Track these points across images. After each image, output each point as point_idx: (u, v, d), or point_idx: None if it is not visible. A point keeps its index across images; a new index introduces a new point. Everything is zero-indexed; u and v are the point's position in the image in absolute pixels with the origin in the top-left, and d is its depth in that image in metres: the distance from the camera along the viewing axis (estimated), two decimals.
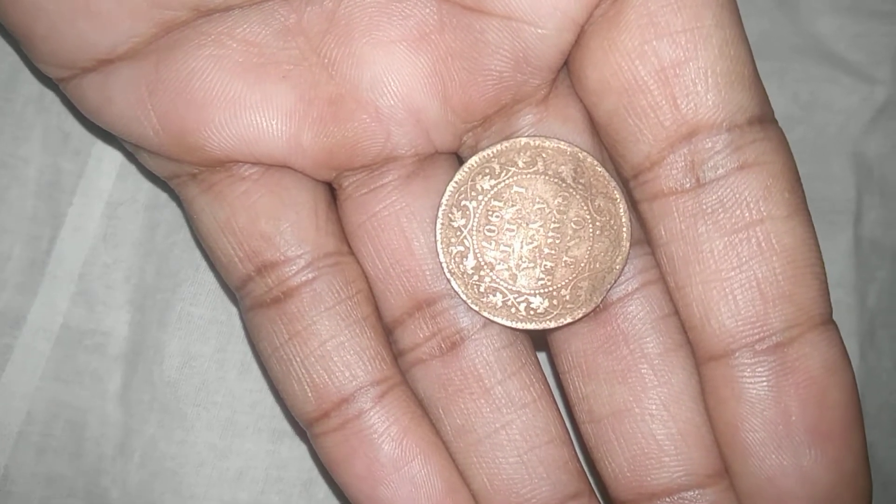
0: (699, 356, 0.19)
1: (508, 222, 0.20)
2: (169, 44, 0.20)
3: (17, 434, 0.24)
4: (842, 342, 0.19)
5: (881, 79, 0.25)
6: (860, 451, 0.19)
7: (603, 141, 0.20)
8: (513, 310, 0.20)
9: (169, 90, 0.20)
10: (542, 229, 0.20)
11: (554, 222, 0.20)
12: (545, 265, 0.20)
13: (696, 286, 0.19)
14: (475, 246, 0.21)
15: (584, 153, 0.20)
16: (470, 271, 0.21)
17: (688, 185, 0.19)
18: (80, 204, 0.24)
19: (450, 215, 0.21)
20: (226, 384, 0.25)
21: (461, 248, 0.21)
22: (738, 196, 0.19)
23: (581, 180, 0.20)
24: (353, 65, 0.20)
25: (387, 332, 0.21)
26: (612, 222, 0.20)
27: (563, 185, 0.20)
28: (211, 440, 0.24)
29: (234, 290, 0.22)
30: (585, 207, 0.20)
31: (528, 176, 0.20)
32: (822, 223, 0.25)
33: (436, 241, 0.21)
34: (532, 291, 0.20)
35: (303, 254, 0.21)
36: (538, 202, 0.20)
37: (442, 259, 0.21)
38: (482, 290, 0.21)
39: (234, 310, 0.25)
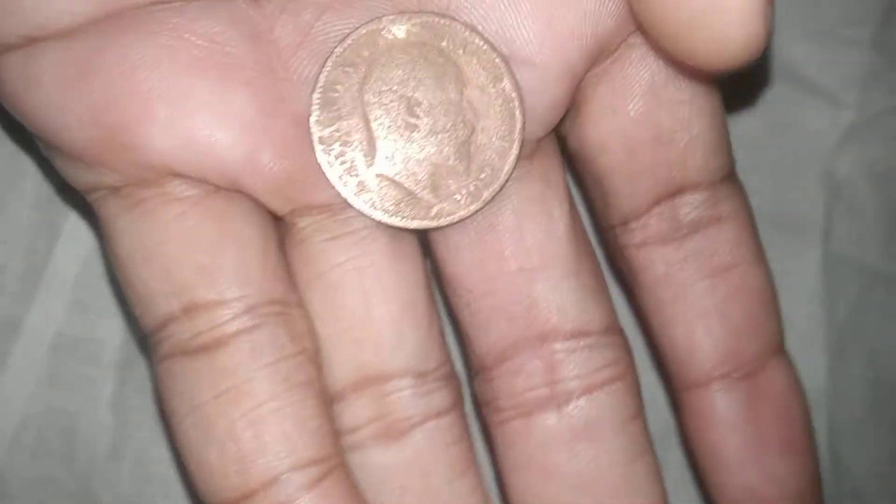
0: (680, 384, 0.21)
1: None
2: (114, 28, 0.18)
3: (12, 438, 0.24)
4: (793, 367, 0.21)
5: (849, 103, 0.26)
6: (816, 455, 0.21)
7: (592, 189, 0.21)
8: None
9: (108, 77, 0.18)
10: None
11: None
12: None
13: (681, 324, 0.20)
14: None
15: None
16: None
17: (672, 236, 0.20)
18: (75, 216, 0.25)
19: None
20: None
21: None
22: (715, 245, 0.20)
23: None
24: None
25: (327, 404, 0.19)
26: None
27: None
28: None
29: (148, 332, 0.19)
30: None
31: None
32: (793, 240, 0.26)
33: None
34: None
35: (244, 296, 0.18)
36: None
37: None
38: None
39: None
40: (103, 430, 0.25)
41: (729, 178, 0.21)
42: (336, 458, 0.18)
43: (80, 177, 0.19)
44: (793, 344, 0.26)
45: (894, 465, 0.26)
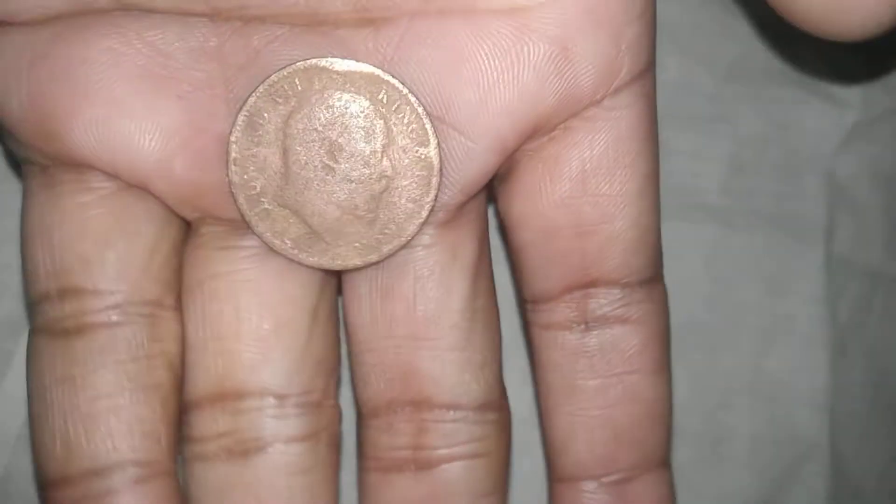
0: (552, 474, 0.21)
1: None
2: (74, 24, 0.19)
3: (17, 437, 0.24)
4: (671, 482, 0.21)
5: (851, 103, 0.26)
6: None
7: (512, 260, 0.21)
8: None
9: (51, 68, 0.19)
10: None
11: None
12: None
13: (563, 416, 0.20)
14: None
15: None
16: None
17: (577, 326, 0.20)
18: None
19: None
20: None
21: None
22: (616, 346, 0.20)
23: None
24: None
25: (183, 410, 0.20)
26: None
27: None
28: None
29: (29, 304, 0.20)
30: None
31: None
32: (795, 240, 0.26)
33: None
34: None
35: (117, 291, 0.19)
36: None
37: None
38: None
39: None
40: None
41: (649, 282, 0.20)
42: (165, 464, 0.19)
43: (16, 150, 0.20)
44: (795, 344, 0.26)
45: (895, 465, 0.26)
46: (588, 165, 0.20)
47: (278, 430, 0.19)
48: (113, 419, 0.18)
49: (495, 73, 0.19)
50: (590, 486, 0.20)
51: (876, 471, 0.26)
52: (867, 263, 0.26)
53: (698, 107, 0.26)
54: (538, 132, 0.20)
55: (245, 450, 0.19)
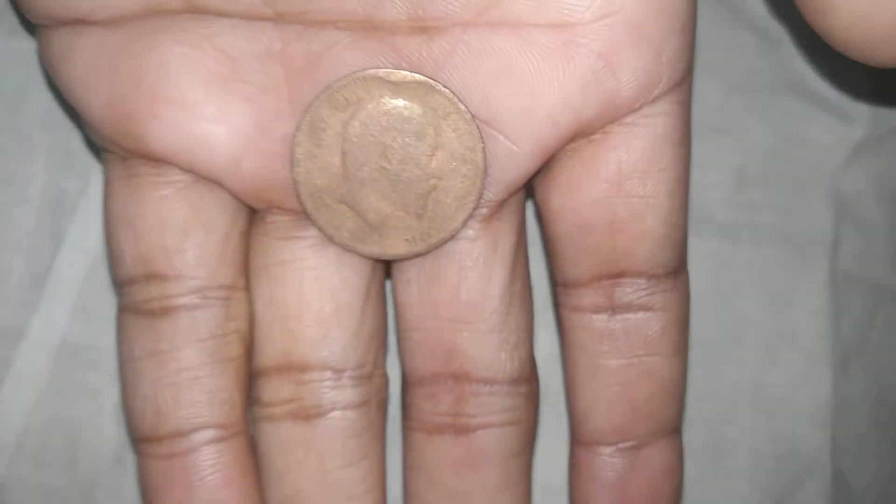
0: (574, 437, 0.23)
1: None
2: (148, 27, 0.20)
3: (15, 446, 0.24)
4: (680, 448, 0.23)
5: (858, 118, 0.26)
6: None
7: (546, 244, 0.22)
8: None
9: (130, 72, 0.20)
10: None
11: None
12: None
13: (587, 390, 0.22)
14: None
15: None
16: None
17: (603, 310, 0.22)
18: (81, 222, 0.25)
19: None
20: None
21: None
22: (639, 331, 0.22)
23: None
24: None
25: (252, 375, 0.22)
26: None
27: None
28: None
29: (115, 283, 0.22)
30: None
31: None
32: (800, 255, 0.26)
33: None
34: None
35: (196, 277, 0.21)
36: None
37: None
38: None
39: None
40: (106, 439, 0.25)
41: (673, 273, 0.22)
42: (238, 426, 0.21)
43: (97, 141, 0.22)
44: (798, 359, 0.26)
45: None
46: (623, 168, 0.21)
47: (336, 399, 0.21)
48: (195, 389, 0.21)
49: (540, 84, 0.20)
50: (607, 450, 0.22)
51: (876, 487, 0.26)
52: (871, 279, 0.26)
53: (705, 119, 0.26)
54: (578, 136, 0.21)
55: (307, 415, 0.21)
